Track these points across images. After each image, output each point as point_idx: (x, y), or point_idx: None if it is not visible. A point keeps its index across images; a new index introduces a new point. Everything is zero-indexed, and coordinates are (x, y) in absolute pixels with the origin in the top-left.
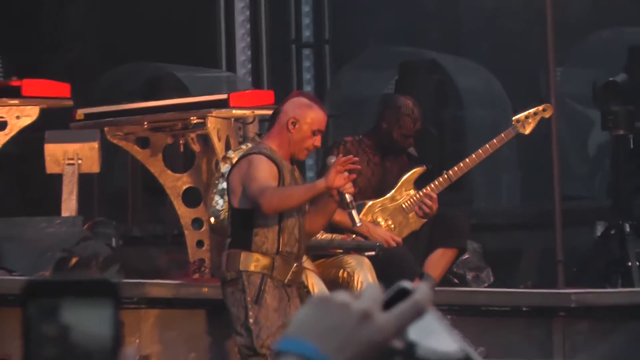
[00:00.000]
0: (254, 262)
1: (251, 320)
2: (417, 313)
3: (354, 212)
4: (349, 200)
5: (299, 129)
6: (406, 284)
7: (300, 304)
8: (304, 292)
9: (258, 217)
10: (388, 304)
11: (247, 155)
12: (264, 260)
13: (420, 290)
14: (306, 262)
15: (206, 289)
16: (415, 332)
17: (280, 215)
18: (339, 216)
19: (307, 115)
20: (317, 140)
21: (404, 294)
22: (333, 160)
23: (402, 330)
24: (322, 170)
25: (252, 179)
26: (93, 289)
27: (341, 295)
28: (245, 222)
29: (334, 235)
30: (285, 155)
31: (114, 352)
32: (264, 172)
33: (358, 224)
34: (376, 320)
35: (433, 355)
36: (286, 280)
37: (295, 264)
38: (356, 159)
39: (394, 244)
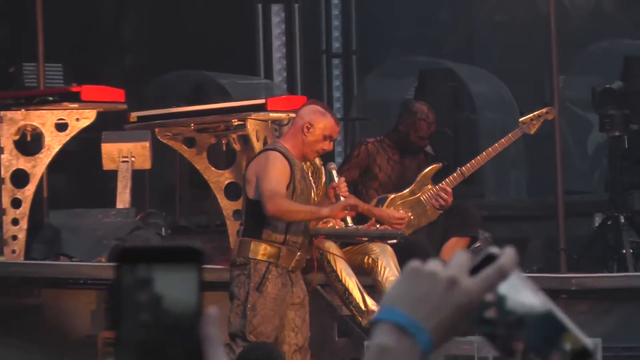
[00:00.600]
0: (262, 251)
1: (249, 305)
2: (502, 276)
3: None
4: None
5: (313, 132)
6: (494, 250)
7: (305, 286)
8: (333, 276)
9: None
10: (476, 270)
11: (265, 151)
12: (271, 250)
13: (506, 254)
14: (334, 249)
15: None
16: (504, 288)
17: None
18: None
19: (321, 122)
20: (326, 144)
21: (491, 259)
22: (332, 167)
23: (488, 292)
24: (348, 157)
25: (266, 177)
26: (180, 255)
27: (430, 265)
28: (257, 212)
29: (359, 226)
30: (298, 155)
31: (199, 315)
32: (278, 171)
33: (350, 225)
34: (462, 285)
35: (521, 307)
36: (290, 267)
37: (298, 253)
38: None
39: (400, 222)
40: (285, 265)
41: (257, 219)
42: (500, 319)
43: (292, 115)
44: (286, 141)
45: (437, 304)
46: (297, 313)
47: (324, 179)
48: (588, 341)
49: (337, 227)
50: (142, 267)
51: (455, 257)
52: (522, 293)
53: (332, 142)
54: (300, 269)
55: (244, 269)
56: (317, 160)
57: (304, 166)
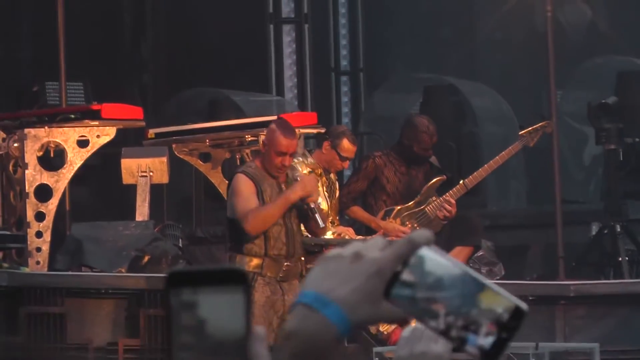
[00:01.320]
0: (246, 263)
1: None
2: (411, 247)
3: (317, 216)
4: (312, 206)
5: (267, 150)
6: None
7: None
8: None
9: None
10: None
11: (234, 174)
12: (256, 261)
13: (419, 232)
14: None
15: None
16: (423, 250)
17: None
18: (360, 213)
19: (272, 139)
20: (285, 160)
21: None
22: (297, 174)
23: (398, 262)
24: (357, 170)
25: (235, 200)
26: (226, 278)
27: (336, 250)
28: (235, 229)
29: (368, 237)
30: (268, 171)
31: (246, 338)
32: (243, 192)
33: (322, 225)
34: (368, 256)
35: (439, 267)
36: (278, 277)
37: (285, 263)
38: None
39: (403, 235)
40: (271, 274)
41: (236, 235)
42: (419, 280)
43: (303, 131)
44: (257, 159)
45: (345, 276)
46: None
47: (337, 194)
48: (519, 301)
49: (347, 237)
50: (187, 291)
51: (369, 240)
52: (440, 255)
53: (346, 162)
54: (294, 279)
55: None
56: (332, 176)
57: (286, 179)
